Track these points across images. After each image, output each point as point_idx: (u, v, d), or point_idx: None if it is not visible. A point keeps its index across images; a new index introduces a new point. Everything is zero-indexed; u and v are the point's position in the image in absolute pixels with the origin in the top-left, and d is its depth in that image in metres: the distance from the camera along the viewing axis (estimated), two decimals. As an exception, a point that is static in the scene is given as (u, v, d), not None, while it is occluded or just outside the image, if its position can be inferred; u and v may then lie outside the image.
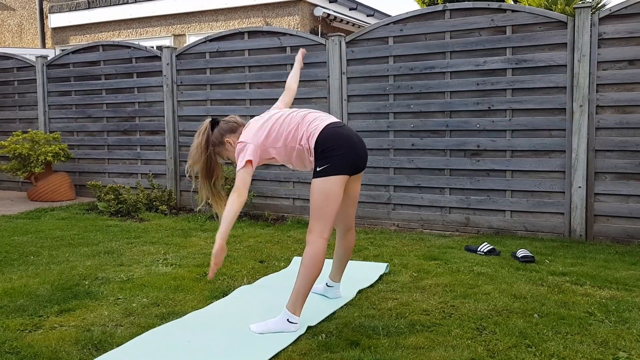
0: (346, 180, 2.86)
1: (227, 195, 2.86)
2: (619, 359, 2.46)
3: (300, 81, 5.88)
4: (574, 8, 4.76)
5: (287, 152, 2.92)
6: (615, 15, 4.62)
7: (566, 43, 4.77)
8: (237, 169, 2.83)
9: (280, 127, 2.90)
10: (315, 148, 2.83)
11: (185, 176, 6.64)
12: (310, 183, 2.91)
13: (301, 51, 3.59)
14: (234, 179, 2.84)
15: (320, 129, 2.84)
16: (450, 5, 5.16)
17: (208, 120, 3.06)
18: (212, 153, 2.99)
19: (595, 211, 4.77)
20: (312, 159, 2.87)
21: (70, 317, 3.00)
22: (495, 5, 4.99)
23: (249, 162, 2.82)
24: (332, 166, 2.80)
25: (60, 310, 3.11)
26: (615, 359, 2.46)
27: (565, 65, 4.79)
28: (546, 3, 10.61)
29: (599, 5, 11.33)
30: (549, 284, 3.54)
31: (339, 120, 2.98)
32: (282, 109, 3.07)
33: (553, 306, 3.12)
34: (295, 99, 5.89)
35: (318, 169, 2.83)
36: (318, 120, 2.90)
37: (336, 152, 2.80)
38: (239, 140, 2.90)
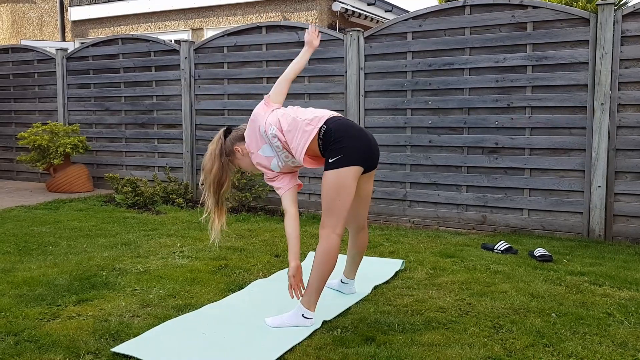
0: (359, 172, 2.79)
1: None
2: (638, 361, 2.43)
3: (317, 76, 5.93)
4: (597, 5, 4.69)
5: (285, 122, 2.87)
6: (639, 13, 4.54)
7: (588, 40, 4.71)
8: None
9: (290, 113, 2.89)
10: (326, 136, 2.77)
11: (201, 171, 6.68)
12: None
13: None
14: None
15: (327, 117, 2.82)
16: (470, 1, 5.11)
17: (222, 129, 3.05)
18: (225, 162, 2.97)
19: (614, 211, 4.70)
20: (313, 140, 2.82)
21: (88, 307, 3.03)
22: (516, 1, 4.93)
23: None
24: (345, 157, 2.73)
25: (78, 300, 3.14)
26: (635, 361, 2.43)
27: (587, 63, 4.72)
28: (567, 0, 10.47)
29: (621, 3, 11.16)
30: (567, 283, 3.50)
31: (347, 118, 2.97)
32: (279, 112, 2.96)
33: (571, 306, 3.08)
34: (311, 94, 5.94)
35: (330, 160, 2.76)
36: (324, 111, 2.90)
37: (349, 143, 2.74)
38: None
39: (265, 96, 2.99)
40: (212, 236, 3.02)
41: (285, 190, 2.96)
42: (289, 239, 2.86)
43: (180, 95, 6.78)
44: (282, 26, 6.10)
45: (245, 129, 3.01)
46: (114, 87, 7.34)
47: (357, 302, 3.17)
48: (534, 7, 4.88)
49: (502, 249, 4.31)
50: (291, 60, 5.95)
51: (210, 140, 3.05)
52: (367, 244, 3.27)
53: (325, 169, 2.80)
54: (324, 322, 2.84)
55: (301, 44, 5.95)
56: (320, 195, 5.90)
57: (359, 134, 2.81)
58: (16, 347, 2.53)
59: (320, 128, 2.80)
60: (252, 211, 5.97)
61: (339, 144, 2.75)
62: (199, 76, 6.65)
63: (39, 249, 4.27)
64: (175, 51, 6.81)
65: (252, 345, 2.58)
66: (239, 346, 2.58)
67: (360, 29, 5.71)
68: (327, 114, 2.87)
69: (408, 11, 12.14)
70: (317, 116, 2.84)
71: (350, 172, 2.75)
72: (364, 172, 2.86)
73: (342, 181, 2.74)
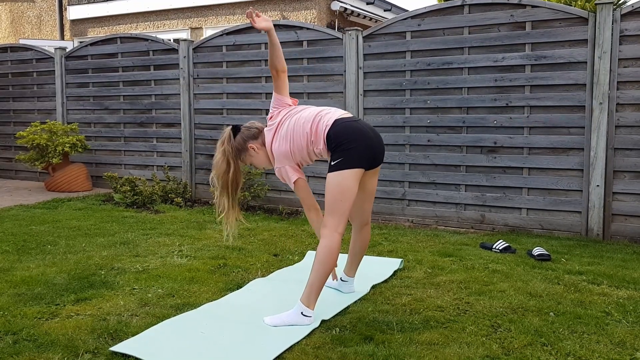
0: (361, 174, 2.85)
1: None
2: (636, 360, 2.43)
3: (316, 75, 5.93)
4: (596, 4, 4.69)
5: (310, 155, 2.98)
6: (637, 12, 4.54)
7: (587, 39, 4.71)
8: (294, 189, 3.00)
9: (296, 139, 2.92)
10: (328, 143, 2.84)
11: (202, 169, 6.68)
12: (324, 177, 2.91)
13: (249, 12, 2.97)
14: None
15: (330, 125, 2.85)
16: (469, 0, 5.11)
17: (229, 128, 3.05)
18: (237, 161, 3.00)
19: (613, 210, 4.71)
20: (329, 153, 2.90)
21: (87, 306, 3.03)
22: (514, 0, 4.94)
23: (297, 180, 2.96)
24: (346, 160, 2.79)
25: (76, 299, 3.14)
26: (633, 360, 2.43)
27: (586, 62, 4.73)
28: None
29: (619, 2, 11.17)
30: (565, 282, 3.50)
31: (352, 115, 2.98)
32: (289, 112, 3.03)
33: (569, 305, 3.09)
34: (310, 93, 5.94)
35: (332, 163, 2.83)
36: (328, 116, 2.90)
37: (349, 146, 2.79)
38: (276, 166, 3.00)
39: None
40: (226, 231, 3.07)
41: (303, 180, 3.02)
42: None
43: (179, 94, 6.78)
44: (281, 25, 6.10)
45: (257, 127, 3.06)
46: (112, 86, 7.33)
47: (355, 301, 3.17)
48: (533, 6, 4.88)
49: (500, 248, 4.31)
50: (290, 59, 6.00)
51: (210, 139, 3.07)
52: (369, 240, 3.30)
53: (328, 171, 2.86)
54: (323, 321, 2.84)
55: (299, 43, 5.95)
56: (319, 194, 5.92)
57: (360, 136, 2.83)
58: (15, 346, 2.53)
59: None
60: (250, 210, 5.97)
61: (340, 147, 2.81)
62: (197, 75, 6.65)
63: (37, 248, 4.27)
64: (174, 50, 6.80)
65: (251, 344, 2.58)
66: (237, 345, 2.58)
67: (359, 28, 5.71)
68: (330, 123, 2.86)
69: (407, 10, 12.14)
70: (325, 130, 2.86)
71: (351, 174, 2.80)
72: (368, 169, 2.90)
73: (344, 183, 2.80)
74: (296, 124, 2.94)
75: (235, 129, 3.05)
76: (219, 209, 3.04)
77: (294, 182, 2.98)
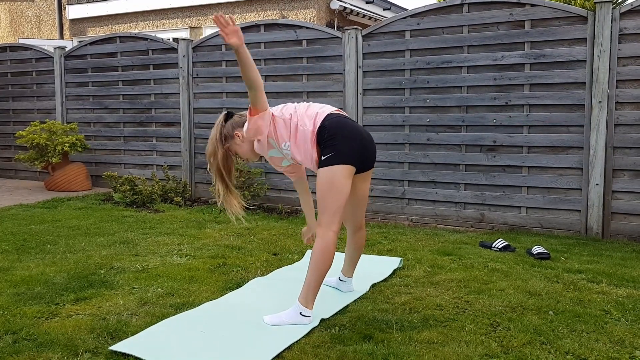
0: (353, 171, 2.79)
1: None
2: (635, 358, 2.43)
3: (315, 74, 5.93)
4: (595, 3, 4.69)
5: (291, 132, 2.84)
6: (637, 10, 4.54)
7: (586, 38, 4.71)
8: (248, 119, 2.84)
9: (284, 111, 2.89)
10: (320, 134, 2.77)
11: (201, 169, 6.68)
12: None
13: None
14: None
15: (326, 114, 2.82)
16: (468, -1, 5.12)
17: (223, 113, 3.05)
18: (224, 145, 2.97)
19: (612, 209, 4.71)
20: (316, 151, 2.82)
21: (86, 306, 3.03)
22: (514, -1, 4.94)
23: (265, 112, 2.80)
24: (338, 155, 2.73)
25: (76, 298, 3.14)
26: (632, 358, 2.43)
27: (585, 61, 4.73)
28: (565, -2, 10.47)
29: (619, 1, 11.16)
30: (565, 281, 3.51)
31: (347, 115, 2.96)
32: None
33: (568, 304, 3.09)
34: (310, 92, 5.94)
35: (323, 158, 2.76)
36: (324, 109, 2.89)
37: (342, 140, 2.73)
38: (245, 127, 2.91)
39: (251, 107, 2.83)
40: (233, 218, 3.04)
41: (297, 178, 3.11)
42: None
43: (179, 93, 6.78)
44: (280, 24, 6.10)
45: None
46: (112, 86, 7.33)
47: (355, 300, 3.17)
48: (532, 5, 4.88)
49: (500, 246, 4.32)
50: (289, 58, 6.00)
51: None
52: (364, 243, 3.28)
53: (318, 167, 2.80)
54: (322, 320, 2.84)
55: (299, 42, 5.95)
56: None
57: (353, 134, 2.79)
58: (14, 345, 2.53)
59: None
60: (250, 209, 5.97)
61: (331, 142, 2.75)
62: (197, 74, 6.65)
63: (37, 248, 4.27)
64: (174, 49, 6.80)
65: (250, 343, 2.59)
66: (237, 344, 2.58)
67: (359, 27, 5.71)
68: (326, 112, 2.86)
69: (406, 9, 12.12)
70: (317, 115, 2.83)
71: (343, 170, 2.74)
72: (359, 172, 2.86)
73: (334, 179, 2.73)
74: (289, 104, 2.95)
75: (229, 115, 3.01)
76: (218, 196, 3.03)
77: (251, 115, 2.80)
